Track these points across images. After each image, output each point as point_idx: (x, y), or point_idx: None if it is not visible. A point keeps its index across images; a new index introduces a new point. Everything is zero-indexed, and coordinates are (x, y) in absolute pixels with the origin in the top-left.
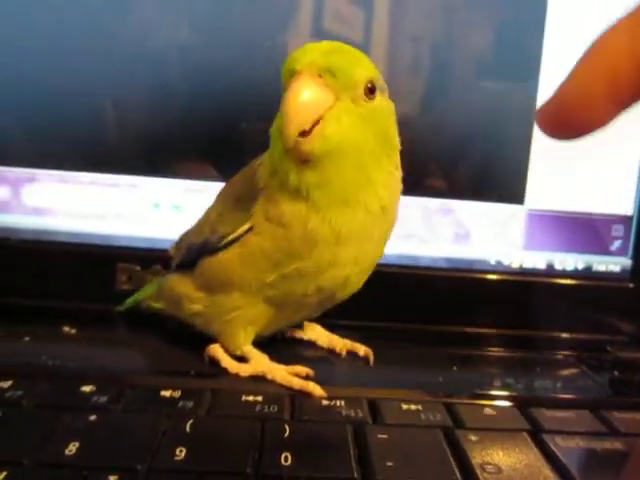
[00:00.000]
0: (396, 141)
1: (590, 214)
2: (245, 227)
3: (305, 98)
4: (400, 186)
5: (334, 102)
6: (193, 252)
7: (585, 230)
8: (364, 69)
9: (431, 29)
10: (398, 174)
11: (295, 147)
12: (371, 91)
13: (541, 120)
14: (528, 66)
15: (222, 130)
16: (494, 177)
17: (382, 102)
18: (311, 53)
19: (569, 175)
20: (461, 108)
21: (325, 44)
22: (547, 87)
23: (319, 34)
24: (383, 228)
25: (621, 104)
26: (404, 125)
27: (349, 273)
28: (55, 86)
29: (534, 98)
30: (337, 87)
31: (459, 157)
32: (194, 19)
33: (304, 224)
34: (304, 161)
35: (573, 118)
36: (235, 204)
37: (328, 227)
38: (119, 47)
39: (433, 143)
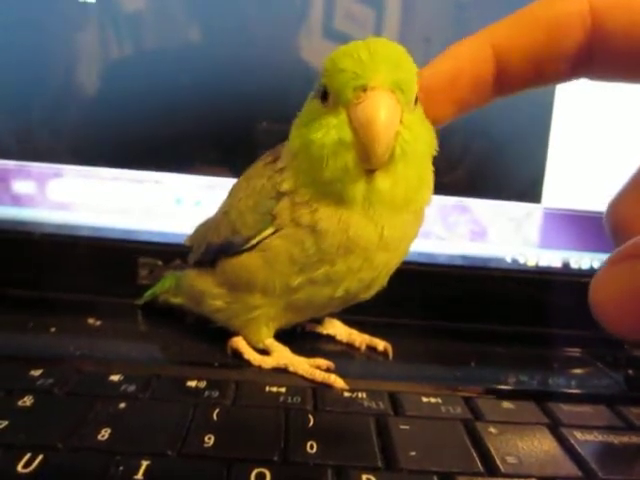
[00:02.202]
0: (436, 141)
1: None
2: (269, 231)
3: (388, 118)
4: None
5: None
6: (212, 252)
7: (601, 229)
8: (416, 79)
9: (442, 28)
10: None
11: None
12: (416, 100)
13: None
14: None
15: (241, 128)
16: (511, 176)
17: (421, 111)
18: (383, 67)
19: (586, 174)
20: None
21: (385, 50)
22: (565, 84)
23: (330, 34)
24: (416, 228)
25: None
26: None
27: (378, 275)
28: (81, 84)
29: (551, 95)
30: (403, 100)
31: (476, 155)
32: (213, 21)
33: (345, 231)
34: (371, 171)
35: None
36: (256, 205)
37: (376, 233)
38: (143, 46)
39: (450, 141)
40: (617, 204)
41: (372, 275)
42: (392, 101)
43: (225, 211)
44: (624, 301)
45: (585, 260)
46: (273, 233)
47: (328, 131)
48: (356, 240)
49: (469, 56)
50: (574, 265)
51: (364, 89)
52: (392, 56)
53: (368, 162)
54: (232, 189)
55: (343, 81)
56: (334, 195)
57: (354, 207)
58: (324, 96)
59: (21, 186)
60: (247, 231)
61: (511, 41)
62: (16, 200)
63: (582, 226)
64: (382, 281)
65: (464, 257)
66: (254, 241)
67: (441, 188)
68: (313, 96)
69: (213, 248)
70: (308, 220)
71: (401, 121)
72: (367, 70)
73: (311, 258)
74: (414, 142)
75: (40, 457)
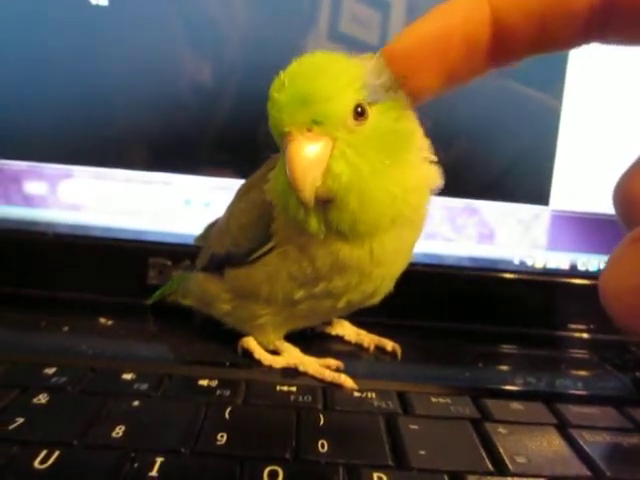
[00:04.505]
0: (417, 134)
1: (614, 215)
2: (268, 247)
3: (307, 159)
4: (433, 173)
5: (333, 142)
6: (217, 261)
7: (608, 231)
8: (347, 95)
9: None
10: (427, 164)
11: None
12: (360, 114)
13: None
14: (553, 67)
15: (250, 131)
16: (519, 178)
17: (381, 111)
18: (295, 106)
19: (593, 176)
20: (486, 109)
21: (298, 82)
22: (573, 87)
23: (336, 36)
24: (415, 233)
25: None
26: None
27: (380, 285)
28: (91, 86)
29: (559, 98)
30: (329, 129)
31: (484, 158)
32: (222, 24)
33: (335, 253)
34: (325, 203)
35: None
36: (255, 219)
37: (366, 253)
38: (153, 49)
39: (457, 144)
40: (627, 182)
41: (373, 287)
42: (307, 141)
43: (227, 222)
44: (636, 291)
45: (593, 262)
46: (271, 249)
47: (280, 177)
48: (347, 262)
49: (462, 14)
50: (582, 267)
51: (283, 136)
52: (305, 87)
53: (304, 204)
54: (236, 196)
55: (274, 129)
56: (308, 231)
57: (317, 238)
58: None
59: (33, 187)
60: (248, 244)
61: None
62: (28, 201)
63: (590, 228)
64: (387, 288)
65: (472, 259)
66: (255, 255)
67: (449, 190)
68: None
69: (217, 258)
70: (300, 243)
71: (333, 154)
72: (282, 114)
73: (308, 276)
74: (354, 166)
75: (56, 453)
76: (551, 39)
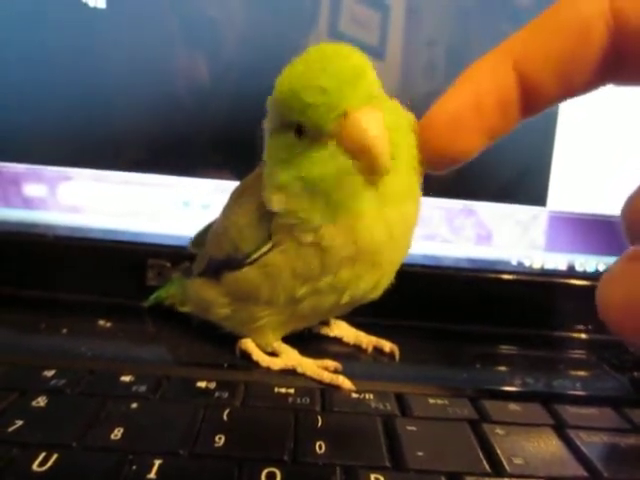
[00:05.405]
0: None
1: (611, 216)
2: (267, 247)
3: (378, 132)
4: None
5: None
6: (214, 266)
7: (606, 232)
8: (371, 67)
9: (447, 31)
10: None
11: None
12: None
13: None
14: None
15: (249, 132)
16: (517, 179)
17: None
18: (349, 86)
19: (591, 177)
20: None
21: (340, 65)
22: None
23: (336, 37)
24: (417, 215)
25: (487, 133)
26: None
27: (383, 275)
28: (90, 88)
29: None
30: (376, 102)
31: (481, 159)
32: (221, 25)
33: (354, 243)
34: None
35: (439, 142)
36: (253, 221)
37: (387, 233)
38: (152, 50)
39: None
40: (636, 200)
41: (377, 277)
42: (372, 113)
43: (225, 226)
44: (633, 303)
45: (590, 263)
46: (271, 249)
47: (325, 164)
48: (365, 248)
49: (490, 78)
50: (579, 268)
51: (344, 116)
52: (349, 68)
53: (376, 175)
54: (230, 199)
55: (319, 115)
56: (346, 213)
57: (366, 216)
58: (299, 131)
59: (32, 189)
60: (247, 247)
61: (534, 53)
62: (28, 203)
63: (587, 229)
64: (387, 280)
65: (470, 260)
66: (254, 256)
67: (447, 192)
68: (276, 131)
69: (215, 262)
70: (311, 238)
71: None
72: (337, 98)
73: (314, 271)
74: (397, 131)
75: (55, 456)
76: (573, 86)
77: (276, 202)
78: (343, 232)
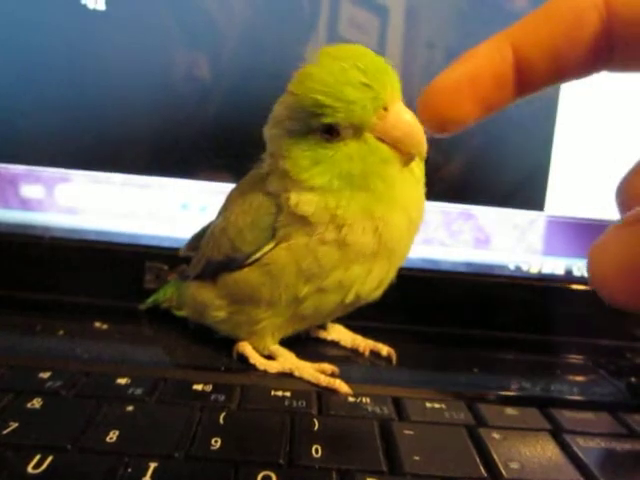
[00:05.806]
0: None
1: (609, 221)
2: (270, 246)
3: (414, 119)
4: None
5: None
6: (212, 267)
7: None
8: None
9: (446, 34)
10: None
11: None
12: None
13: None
14: None
15: (247, 135)
16: (515, 183)
17: None
18: (383, 82)
19: (589, 182)
20: None
21: (371, 63)
22: (568, 91)
23: (334, 40)
24: (419, 220)
25: (481, 103)
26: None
27: (390, 270)
28: (89, 90)
29: (555, 102)
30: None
31: (480, 163)
32: (219, 28)
33: (380, 236)
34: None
35: (439, 107)
36: (254, 222)
37: (407, 220)
38: (150, 53)
39: (453, 149)
40: (630, 181)
41: (380, 275)
42: (404, 105)
43: (223, 227)
44: (626, 268)
45: None
46: (274, 247)
47: (367, 158)
48: (387, 240)
49: (488, 56)
50: (577, 272)
51: (384, 109)
52: (380, 63)
53: (417, 156)
54: (226, 203)
55: (364, 110)
56: (385, 206)
57: (397, 209)
58: (329, 132)
59: (30, 190)
60: (247, 248)
61: (530, 37)
62: (25, 204)
63: (585, 234)
64: (388, 279)
65: (468, 264)
66: (256, 255)
67: (446, 196)
68: (299, 135)
69: (213, 264)
70: (334, 235)
71: None
72: (378, 92)
73: (323, 268)
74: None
75: (50, 458)
76: (566, 70)
77: (306, 204)
78: (370, 229)
